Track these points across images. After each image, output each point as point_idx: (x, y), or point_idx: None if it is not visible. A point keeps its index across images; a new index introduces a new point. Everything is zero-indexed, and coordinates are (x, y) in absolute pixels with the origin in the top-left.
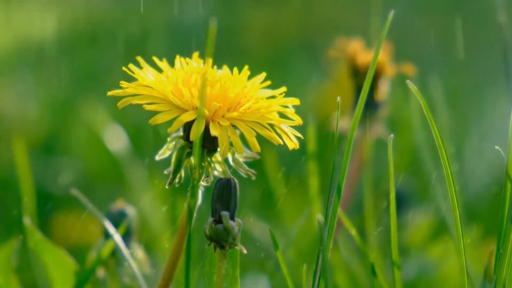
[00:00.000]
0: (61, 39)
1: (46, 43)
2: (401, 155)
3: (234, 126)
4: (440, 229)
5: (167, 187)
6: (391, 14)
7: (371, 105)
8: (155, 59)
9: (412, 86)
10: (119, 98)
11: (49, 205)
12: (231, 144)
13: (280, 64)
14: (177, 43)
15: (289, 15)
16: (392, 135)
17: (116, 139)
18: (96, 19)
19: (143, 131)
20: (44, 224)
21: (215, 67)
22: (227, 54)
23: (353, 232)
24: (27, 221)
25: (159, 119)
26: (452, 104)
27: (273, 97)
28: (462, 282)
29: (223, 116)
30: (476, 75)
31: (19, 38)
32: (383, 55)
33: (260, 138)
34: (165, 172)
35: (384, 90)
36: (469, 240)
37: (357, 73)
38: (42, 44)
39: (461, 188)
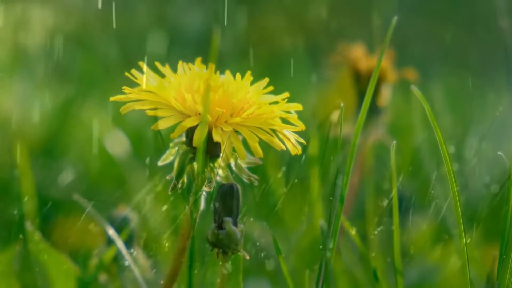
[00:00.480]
0: (63, 41)
1: (48, 46)
2: (402, 157)
3: (236, 132)
4: (441, 232)
5: (169, 192)
6: (394, 20)
7: (373, 110)
8: (157, 64)
9: (416, 92)
10: (121, 101)
11: (50, 209)
12: (233, 149)
13: (282, 68)
14: (179, 48)
15: (291, 19)
16: (394, 141)
17: (117, 142)
18: (98, 23)
19: (144, 133)
20: (46, 227)
21: (217, 72)
22: (228, 58)
23: (355, 237)
24: (29, 226)
25: (162, 124)
26: (453, 105)
27: (275, 102)
28: (464, 286)
29: (225, 122)
30: (477, 75)
31: (20, 41)
32: (385, 61)
33: (262, 141)
34: (168, 177)
35: (386, 95)
36: (470, 239)
37: (359, 78)
38: (44, 47)
39: (461, 188)
